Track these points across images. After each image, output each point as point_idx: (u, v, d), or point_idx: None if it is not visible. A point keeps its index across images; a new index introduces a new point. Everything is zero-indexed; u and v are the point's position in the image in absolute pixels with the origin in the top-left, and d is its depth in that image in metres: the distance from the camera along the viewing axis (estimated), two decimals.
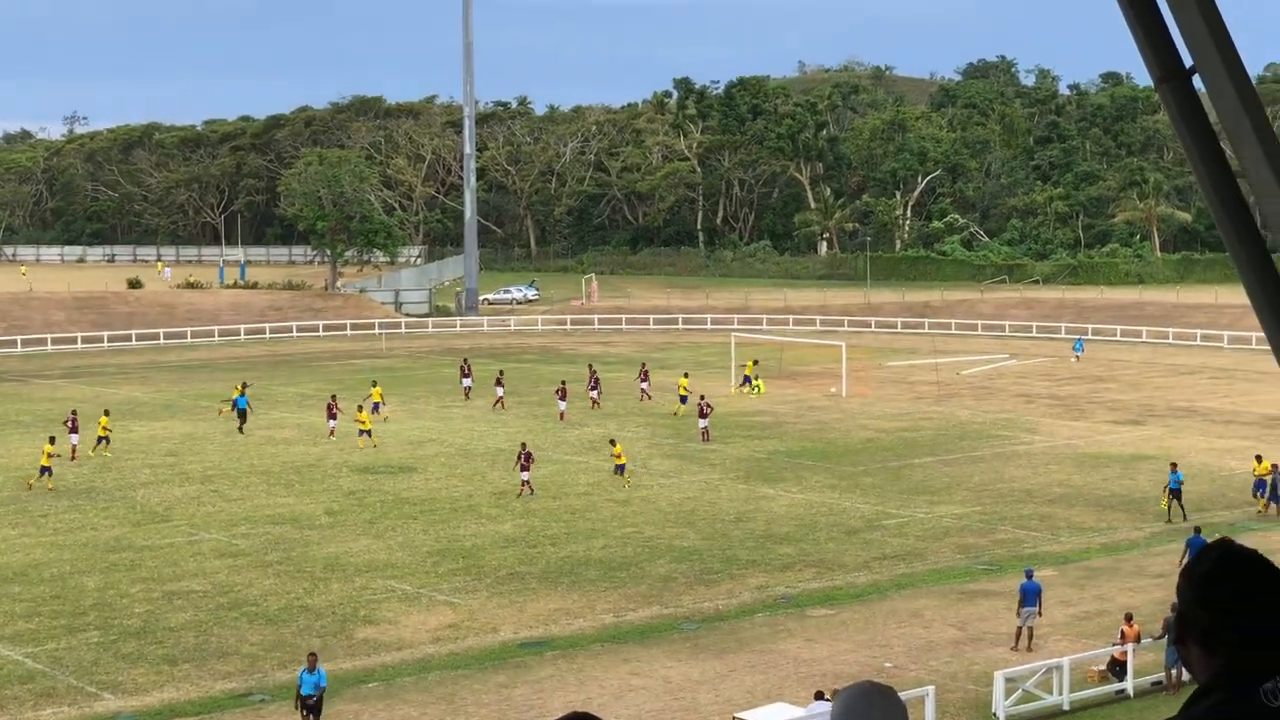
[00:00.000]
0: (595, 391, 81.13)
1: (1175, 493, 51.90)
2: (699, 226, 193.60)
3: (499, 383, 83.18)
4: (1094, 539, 50.86)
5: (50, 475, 59.44)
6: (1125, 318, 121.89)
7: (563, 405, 77.76)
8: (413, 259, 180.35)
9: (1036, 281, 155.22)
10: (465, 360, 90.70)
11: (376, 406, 75.39)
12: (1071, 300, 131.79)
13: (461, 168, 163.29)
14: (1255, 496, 53.56)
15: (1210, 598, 3.31)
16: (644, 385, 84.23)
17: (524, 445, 59.91)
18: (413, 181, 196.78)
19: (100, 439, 67.13)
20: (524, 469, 57.57)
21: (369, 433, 68.66)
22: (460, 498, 57.88)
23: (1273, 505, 52.33)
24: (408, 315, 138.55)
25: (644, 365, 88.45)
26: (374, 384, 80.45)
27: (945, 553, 49.32)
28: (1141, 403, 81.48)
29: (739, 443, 69.05)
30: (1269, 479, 53.76)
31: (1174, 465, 53.29)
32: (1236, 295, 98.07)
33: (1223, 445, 65.72)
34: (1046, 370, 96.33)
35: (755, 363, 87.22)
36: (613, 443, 62.27)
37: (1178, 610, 3.48)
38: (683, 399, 76.53)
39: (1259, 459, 55.39)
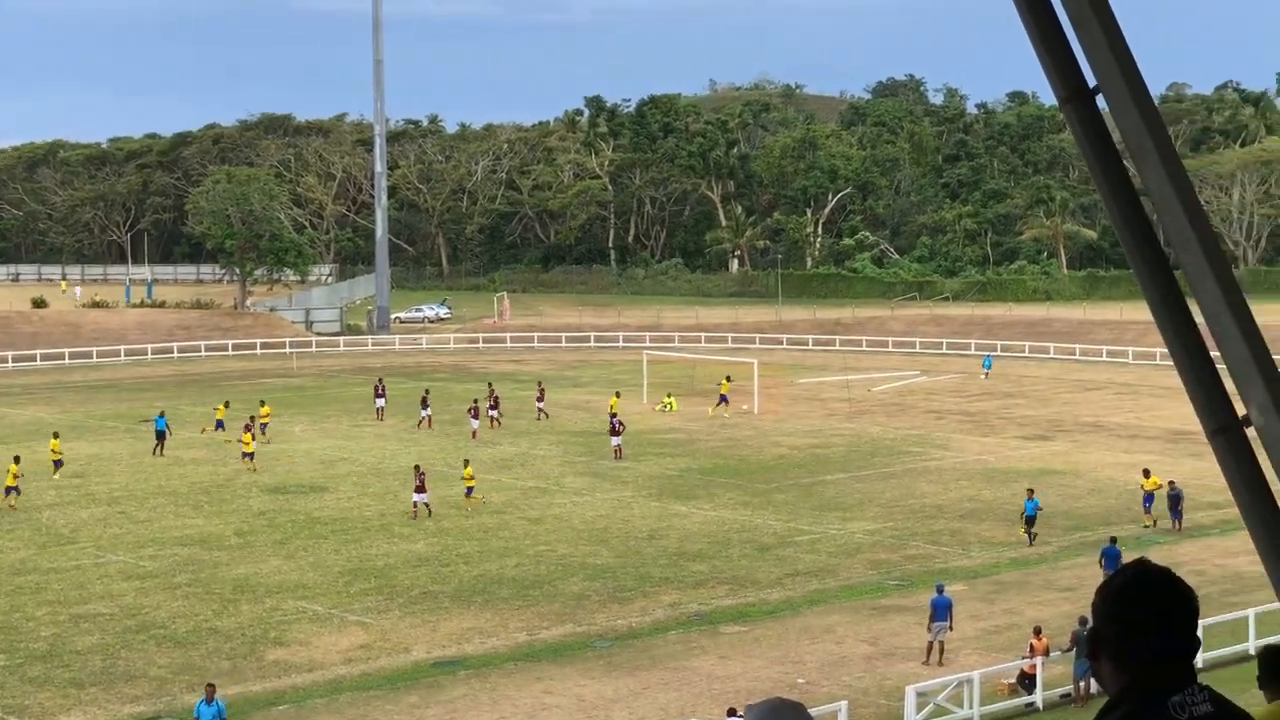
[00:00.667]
0: (495, 411, 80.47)
1: (1030, 519, 51.41)
2: (611, 244, 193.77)
3: (424, 403, 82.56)
4: (1004, 553, 51.20)
5: (17, 495, 58.73)
6: (1033, 334, 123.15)
7: (475, 424, 77.60)
8: (323, 278, 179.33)
9: (946, 298, 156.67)
10: (380, 380, 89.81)
11: (264, 427, 75.07)
12: (980, 317, 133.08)
13: (372, 186, 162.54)
14: (1145, 511, 53.88)
15: (1122, 614, 3.37)
16: (540, 404, 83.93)
17: (417, 467, 59.41)
18: (323, 200, 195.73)
19: (55, 463, 66.31)
20: (418, 490, 57.13)
21: (251, 455, 67.84)
22: (372, 517, 57.53)
23: (1174, 521, 52.32)
24: (318, 334, 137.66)
25: (540, 384, 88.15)
26: (262, 403, 79.80)
27: (857, 569, 49.43)
28: (1049, 418, 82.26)
29: (651, 460, 69.07)
30: (1158, 493, 54.20)
31: (1030, 491, 53.02)
32: (1141, 312, 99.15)
33: (1128, 460, 66.38)
34: (957, 386, 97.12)
35: (728, 379, 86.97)
36: (466, 463, 61.49)
37: (1092, 625, 3.52)
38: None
39: (1146, 473, 55.92)
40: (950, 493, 60.61)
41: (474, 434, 76.69)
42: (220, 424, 76.70)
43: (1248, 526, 4.38)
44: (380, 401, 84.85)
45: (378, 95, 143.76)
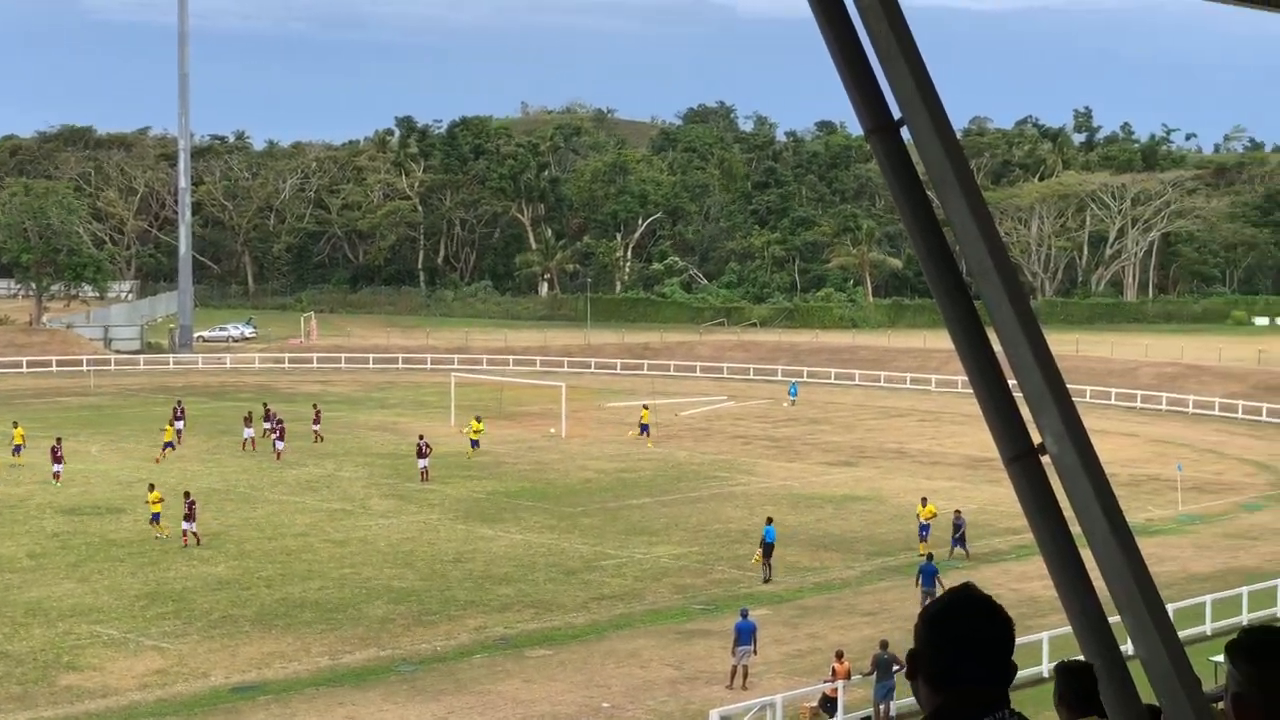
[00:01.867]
0: (276, 434, 77.79)
1: (770, 548, 50.90)
2: (420, 266, 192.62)
3: (247, 423, 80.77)
4: (807, 578, 51.71)
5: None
6: (839, 361, 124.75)
7: (280, 445, 76.59)
8: (124, 294, 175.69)
9: (754, 324, 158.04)
10: (179, 403, 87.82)
11: (18, 449, 73.24)
12: (788, 343, 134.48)
13: (176, 202, 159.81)
14: (921, 539, 54.48)
15: (938, 637, 3.46)
16: (315, 427, 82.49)
17: (187, 494, 58.02)
18: (124, 215, 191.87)
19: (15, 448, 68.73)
20: (187, 518, 55.71)
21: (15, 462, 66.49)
22: (171, 539, 56.34)
23: (955, 548, 52.64)
24: (118, 352, 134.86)
25: (316, 406, 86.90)
26: (15, 425, 77.12)
27: (663, 593, 49.47)
28: (854, 444, 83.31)
29: (458, 483, 68.75)
30: (933, 523, 54.80)
31: (769, 520, 52.71)
32: (944, 340, 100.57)
33: (929, 486, 67.45)
34: (763, 412, 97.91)
35: (645, 407, 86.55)
36: (151, 488, 58.85)
37: (912, 647, 3.60)
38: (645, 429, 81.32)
39: (924, 502, 56.50)
40: (756, 518, 60.82)
41: (278, 455, 75.66)
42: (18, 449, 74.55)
43: (1041, 551, 4.53)
44: (179, 424, 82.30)
45: (182, 110, 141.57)
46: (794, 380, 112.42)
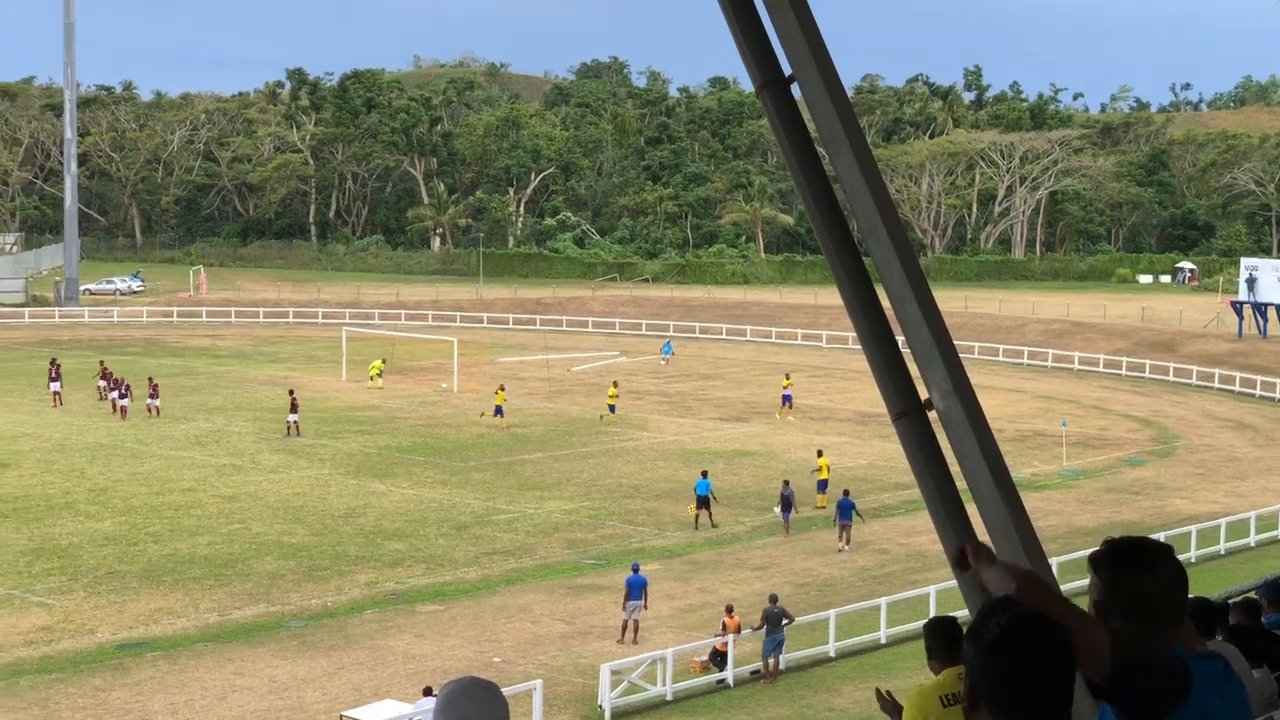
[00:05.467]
0: (116, 393, 73.90)
1: (703, 500, 51.04)
2: (311, 219, 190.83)
3: (54, 376, 77.82)
4: (698, 534, 51.73)
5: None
6: (731, 317, 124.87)
7: (153, 402, 74.42)
8: (8, 246, 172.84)
9: (646, 280, 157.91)
10: (54, 361, 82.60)
11: None
12: (680, 299, 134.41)
13: (62, 153, 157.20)
14: (819, 492, 54.45)
15: (999, 667, 3.32)
16: (153, 401, 74.30)
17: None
18: (8, 166, 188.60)
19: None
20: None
21: None
22: (56, 495, 55.55)
23: (786, 518, 51.18)
24: (1, 305, 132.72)
25: (152, 380, 76.88)
26: None
27: (554, 548, 49.27)
28: (745, 400, 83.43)
29: (350, 438, 68.23)
30: (830, 478, 54.75)
31: (704, 473, 52.53)
32: (835, 296, 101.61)
33: (820, 441, 67.82)
34: (655, 368, 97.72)
35: (788, 377, 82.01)
36: None
37: (969, 676, 3.46)
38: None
39: (819, 454, 56.76)
40: (647, 473, 61.03)
41: (155, 411, 74.14)
42: None
43: (928, 506, 4.53)
44: (55, 385, 78.01)
45: (68, 59, 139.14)
46: (666, 339, 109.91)
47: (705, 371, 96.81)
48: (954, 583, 4.45)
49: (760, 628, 36.68)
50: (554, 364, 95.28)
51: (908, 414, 4.60)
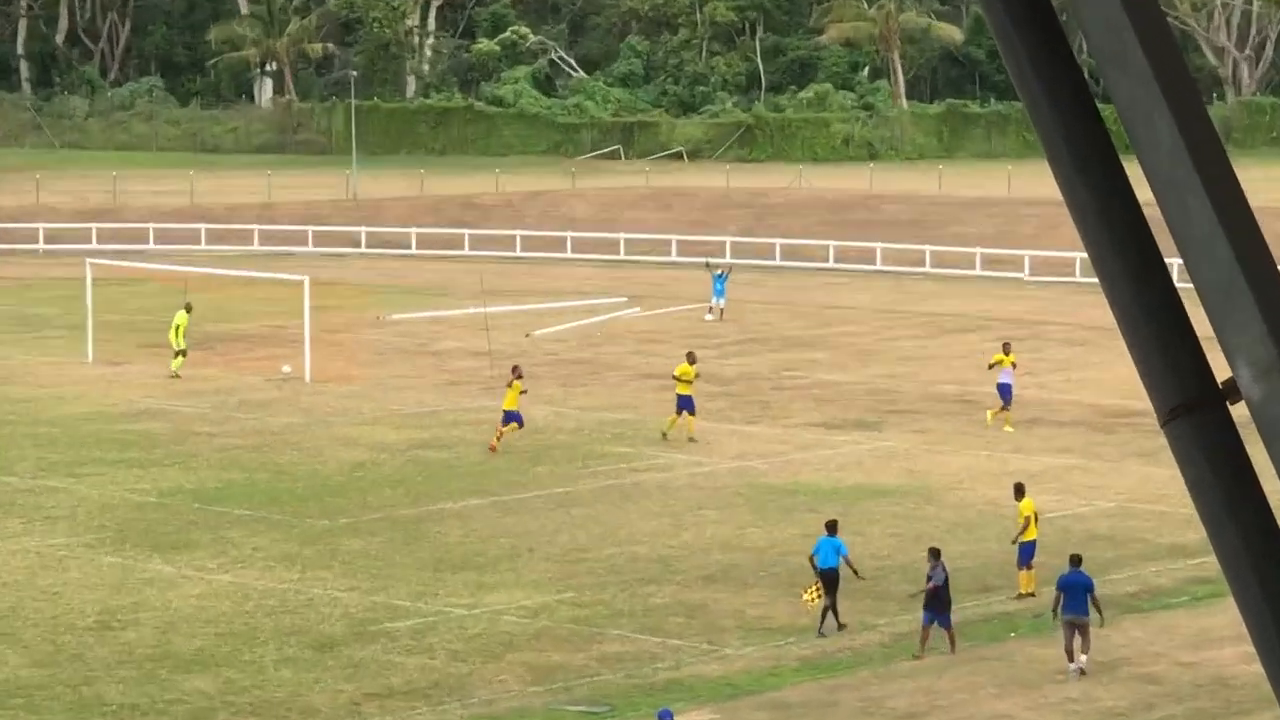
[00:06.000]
0: None
1: (831, 578, 34.26)
2: (21, 51, 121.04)
3: None
4: (789, 648, 34.44)
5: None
6: (843, 225, 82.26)
7: None
8: None
9: (678, 155, 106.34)
10: None
11: None
12: (745, 191, 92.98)
13: None
14: (1023, 567, 36.14)
15: None
16: None
17: None
18: None
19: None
20: None
21: None
22: None
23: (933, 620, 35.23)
24: None
25: None
26: None
27: (506, 682, 31.75)
28: (873, 387, 55.92)
29: (106, 474, 44.21)
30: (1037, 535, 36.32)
31: (831, 525, 35.57)
32: (1044, 183, 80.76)
33: (1022, 468, 45.90)
34: (698, 325, 67.62)
35: (1007, 349, 51.53)
36: None
37: None
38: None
39: (1019, 493, 37.30)
40: (685, 532, 39.02)
41: None
42: None
43: (1231, 584, 3.44)
44: None
45: None
46: (720, 270, 70.21)
47: (795, 332, 66.77)
48: None
49: None
50: (498, 325, 61.78)
51: (1190, 410, 3.46)
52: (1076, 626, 31.66)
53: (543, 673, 31.13)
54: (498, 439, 46.62)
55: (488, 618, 33.64)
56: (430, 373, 58.30)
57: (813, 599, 34.18)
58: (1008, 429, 49.25)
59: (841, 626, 34.36)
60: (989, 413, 49.68)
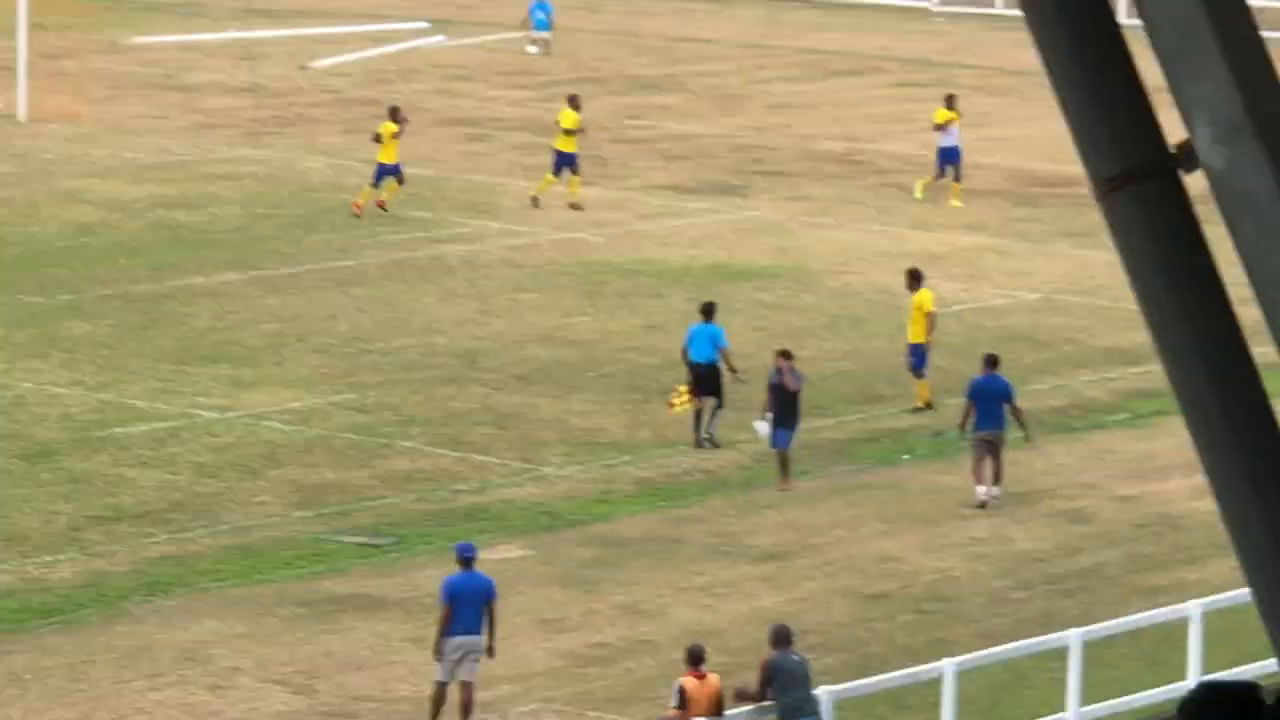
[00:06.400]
0: None
1: (707, 375, 36.53)
2: None
3: None
4: (667, 459, 36.07)
5: None
6: None
7: None
8: None
9: None
10: None
11: None
12: None
13: None
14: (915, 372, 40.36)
15: None
16: None
17: None
18: None
19: None
20: None
21: None
22: None
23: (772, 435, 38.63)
24: None
25: None
26: None
27: (267, 503, 33.48)
28: (738, 143, 56.48)
29: None
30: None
31: (706, 309, 37.67)
32: None
33: (922, 251, 46.51)
34: (518, 61, 68.79)
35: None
36: None
37: None
38: None
39: (914, 281, 41.04)
40: (498, 320, 41.92)
41: None
42: None
43: (1180, 398, 3.93)
44: None
45: None
46: None
47: (640, 70, 69.12)
48: (1239, 597, 4.85)
49: (761, 697, 26.54)
50: (266, 53, 66.20)
51: (1134, 181, 3.76)
52: (990, 444, 33.56)
53: (312, 493, 33.88)
54: (364, 199, 48.79)
55: (244, 424, 36.59)
56: (178, 112, 59.97)
57: (682, 404, 35.50)
58: (955, 203, 51.14)
59: (707, 439, 35.86)
60: (919, 182, 51.31)
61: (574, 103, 50.07)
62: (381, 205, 49.05)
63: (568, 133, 49.91)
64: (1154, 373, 35.28)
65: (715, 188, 52.59)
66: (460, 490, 34.52)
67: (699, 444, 35.84)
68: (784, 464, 35.72)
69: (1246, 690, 4.19)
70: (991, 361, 34.96)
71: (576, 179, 50.17)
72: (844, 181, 53.74)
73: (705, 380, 36.09)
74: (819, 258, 46.63)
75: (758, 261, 46.47)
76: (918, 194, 50.30)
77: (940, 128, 50.60)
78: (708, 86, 66.76)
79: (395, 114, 50.10)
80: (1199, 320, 3.77)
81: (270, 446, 36.03)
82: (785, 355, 35.71)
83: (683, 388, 36.09)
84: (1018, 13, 3.69)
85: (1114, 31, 3.84)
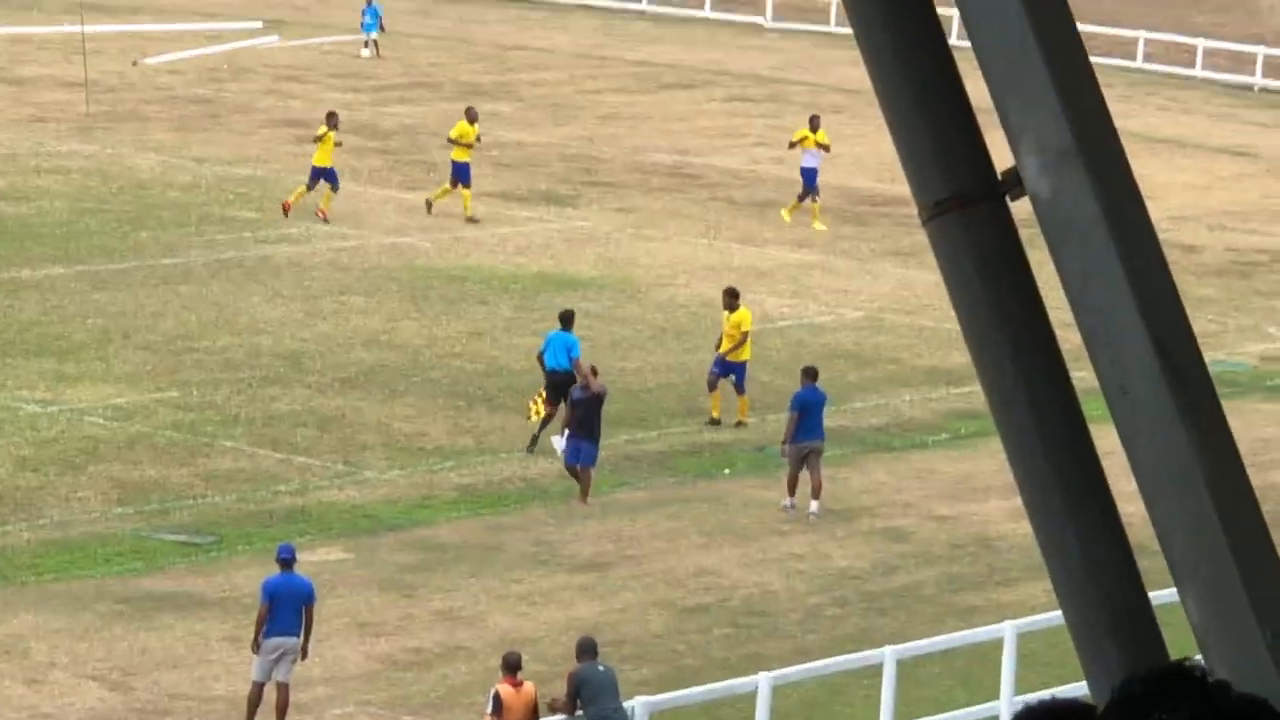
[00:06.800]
0: None
1: (562, 382, 36.52)
2: None
3: None
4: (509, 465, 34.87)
5: None
6: None
7: None
8: None
9: None
10: None
11: None
12: None
13: None
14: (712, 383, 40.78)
15: None
16: None
17: None
18: None
19: None
20: None
21: None
22: None
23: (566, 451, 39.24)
24: None
25: None
26: None
27: (89, 501, 33.33)
28: (571, 153, 57.93)
29: None
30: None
31: (565, 317, 38.33)
32: None
33: (746, 270, 46.81)
34: (350, 63, 68.72)
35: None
36: None
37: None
38: None
39: (729, 302, 41.56)
40: (324, 322, 41.92)
41: None
42: None
43: (998, 423, 3.83)
44: None
45: None
46: None
47: (472, 77, 68.46)
48: (1053, 619, 4.78)
49: (571, 709, 27.27)
50: (98, 48, 63.36)
51: (961, 205, 3.68)
52: (811, 454, 33.69)
53: (134, 490, 33.60)
54: (295, 199, 48.52)
55: (66, 418, 36.33)
56: (9, 105, 59.97)
57: (538, 410, 35.83)
58: (817, 225, 51.02)
59: (531, 449, 36.09)
60: (784, 210, 51.47)
61: (470, 115, 49.98)
62: (322, 215, 48.66)
63: (462, 144, 49.98)
64: (975, 394, 35.64)
65: (544, 197, 52.59)
66: (281, 491, 34.48)
67: (531, 448, 35.71)
68: (585, 481, 35.46)
69: (1084, 710, 3.87)
70: (811, 374, 35.24)
71: (468, 192, 50.14)
72: (673, 194, 53.79)
73: (559, 387, 36.30)
74: (646, 270, 46.94)
75: (585, 272, 46.65)
76: (784, 218, 50.13)
77: (794, 145, 49.94)
78: (540, 95, 66.84)
79: (332, 119, 50.07)
80: (1021, 344, 3.75)
81: (92, 442, 35.87)
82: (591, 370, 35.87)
83: (540, 395, 36.41)
84: (850, 30, 3.67)
85: (944, 54, 3.80)
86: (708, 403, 39.36)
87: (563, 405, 34.46)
